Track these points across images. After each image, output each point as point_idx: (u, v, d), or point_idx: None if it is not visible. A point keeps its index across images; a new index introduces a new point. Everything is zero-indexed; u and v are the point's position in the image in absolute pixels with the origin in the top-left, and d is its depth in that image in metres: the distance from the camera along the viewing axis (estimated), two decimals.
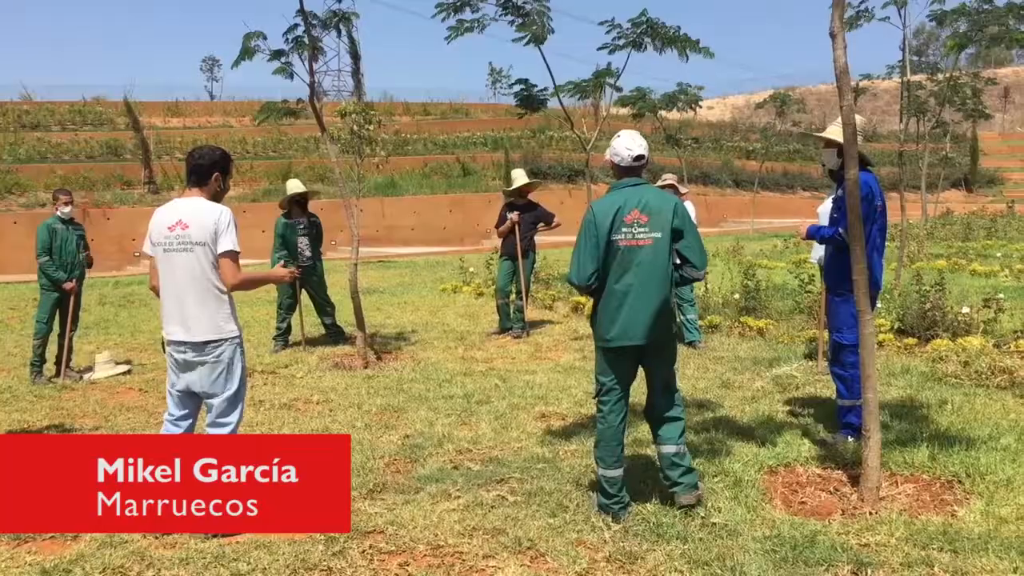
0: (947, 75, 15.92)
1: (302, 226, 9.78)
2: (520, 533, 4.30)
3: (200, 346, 4.53)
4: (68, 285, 8.41)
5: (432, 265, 20.52)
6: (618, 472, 4.48)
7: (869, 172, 5.51)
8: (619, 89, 15.64)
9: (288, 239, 9.67)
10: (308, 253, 9.81)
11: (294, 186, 10.00)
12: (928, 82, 17.45)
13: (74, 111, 33.06)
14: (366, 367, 8.49)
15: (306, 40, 8.34)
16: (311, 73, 8.41)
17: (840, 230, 5.39)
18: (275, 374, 8.39)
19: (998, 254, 16.98)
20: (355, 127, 8.93)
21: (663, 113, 20.53)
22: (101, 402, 7.46)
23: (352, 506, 4.75)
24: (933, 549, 3.96)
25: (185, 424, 4.74)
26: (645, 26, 12.94)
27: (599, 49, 13.47)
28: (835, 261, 5.61)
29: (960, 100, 18.15)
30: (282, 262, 9.46)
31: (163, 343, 4.69)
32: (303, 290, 9.87)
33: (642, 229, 4.39)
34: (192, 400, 4.72)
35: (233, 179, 4.76)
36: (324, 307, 10.02)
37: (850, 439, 5.48)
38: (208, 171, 4.62)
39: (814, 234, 5.74)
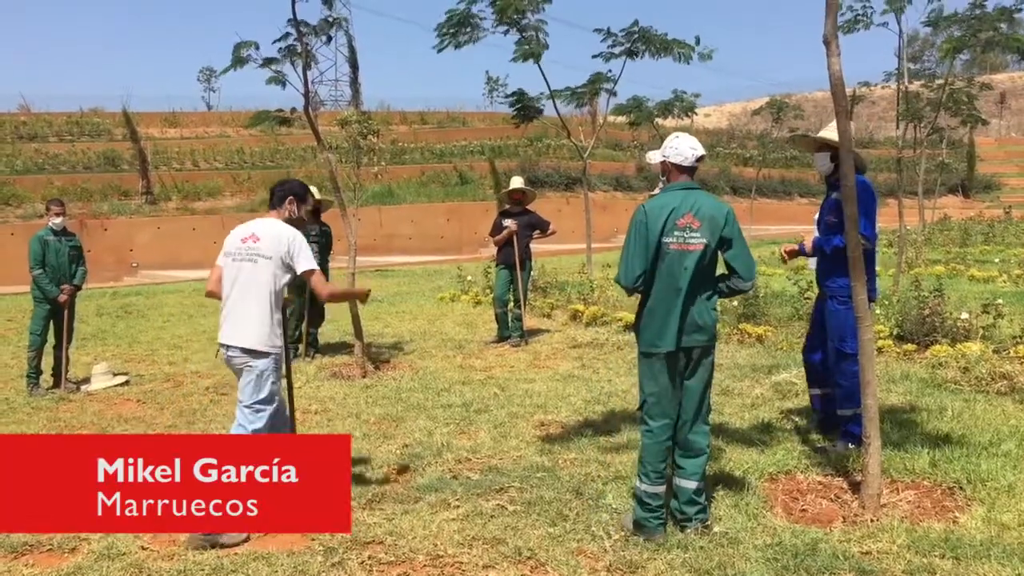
0: (943, 81, 15.94)
1: (313, 233, 9.73)
2: (520, 543, 4.28)
3: (244, 352, 4.72)
4: (62, 298, 8.38)
5: (430, 274, 20.51)
6: (661, 488, 4.35)
7: (863, 177, 5.50)
8: (615, 94, 15.68)
9: None
10: (317, 261, 9.76)
11: (312, 191, 9.97)
12: (924, 88, 17.47)
13: (71, 122, 33.05)
14: (364, 376, 8.46)
15: (298, 48, 8.34)
16: (305, 82, 8.40)
17: (862, 236, 5.28)
18: None
19: (996, 259, 17.01)
20: (356, 137, 8.92)
21: (659, 121, 20.53)
22: (99, 413, 7.44)
23: (351, 516, 4.75)
24: (935, 556, 3.94)
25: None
26: (638, 35, 13.02)
27: (594, 57, 13.54)
28: (836, 266, 5.52)
29: (956, 106, 18.17)
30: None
31: (216, 351, 4.95)
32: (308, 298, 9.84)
33: (694, 234, 4.28)
34: None
35: (308, 206, 5.20)
36: (316, 318, 9.97)
37: (850, 446, 5.46)
38: (282, 197, 5.03)
39: (823, 245, 5.64)
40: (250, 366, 4.71)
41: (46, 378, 8.52)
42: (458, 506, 4.83)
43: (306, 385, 8.26)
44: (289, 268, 4.82)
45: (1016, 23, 12.73)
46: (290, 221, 4.99)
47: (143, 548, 4.41)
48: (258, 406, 4.72)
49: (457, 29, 11.37)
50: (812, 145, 5.95)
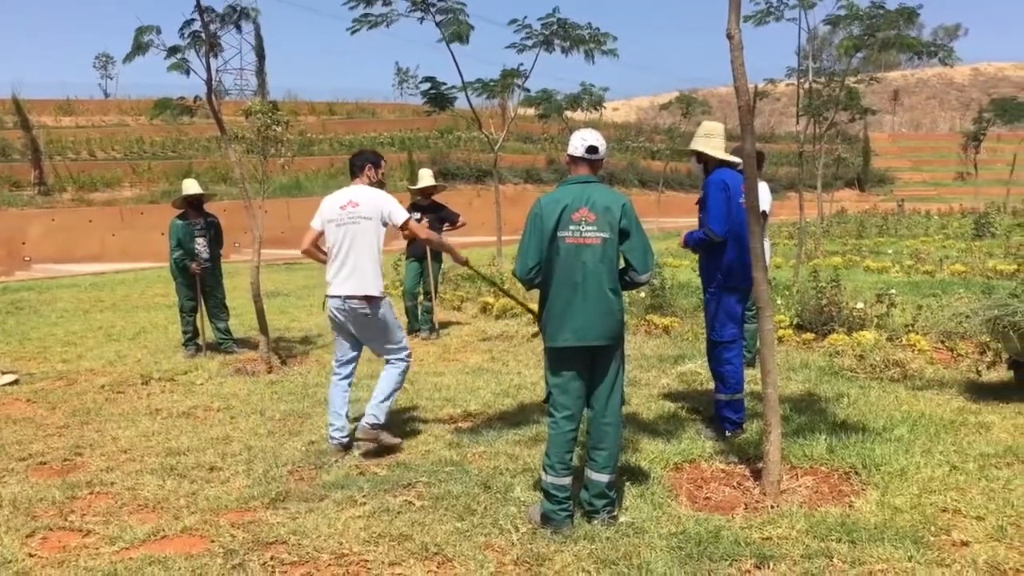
0: (841, 79, 16.49)
1: (199, 227, 9.45)
2: (427, 539, 4.23)
3: (365, 300, 5.59)
4: None
5: None
6: (567, 480, 4.34)
7: (732, 172, 5.74)
8: (527, 90, 15.66)
9: (184, 241, 9.32)
10: (206, 255, 9.48)
11: (189, 186, 9.62)
12: (822, 86, 18.05)
13: None
14: (270, 372, 8.27)
15: (203, 36, 8.08)
16: (208, 70, 8.15)
17: (705, 230, 5.66)
18: (173, 381, 8.10)
19: (889, 251, 17.65)
20: (261, 128, 8.67)
21: (569, 114, 20.68)
22: None
23: (253, 516, 4.64)
24: (832, 540, 4.05)
25: (350, 367, 5.89)
26: (556, 26, 12.94)
27: (507, 48, 13.43)
28: (703, 259, 5.87)
29: (851, 102, 18.84)
30: (191, 262, 9.22)
31: (324, 303, 5.82)
32: (202, 292, 9.54)
33: (589, 228, 4.28)
34: (357, 343, 5.84)
35: (382, 170, 6.05)
36: (219, 312, 9.67)
37: (728, 433, 5.67)
38: (360, 165, 5.90)
39: (689, 240, 5.91)
40: (372, 312, 5.61)
41: None
42: (364, 503, 4.75)
43: (208, 382, 8.03)
44: (385, 223, 5.70)
45: (915, 22, 13.18)
46: (372, 184, 5.86)
47: (31, 555, 4.21)
48: (396, 338, 5.78)
49: (368, 2, 11.15)
50: (689, 155, 6.21)
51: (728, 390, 5.70)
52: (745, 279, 5.68)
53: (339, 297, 5.62)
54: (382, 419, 5.68)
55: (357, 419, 5.86)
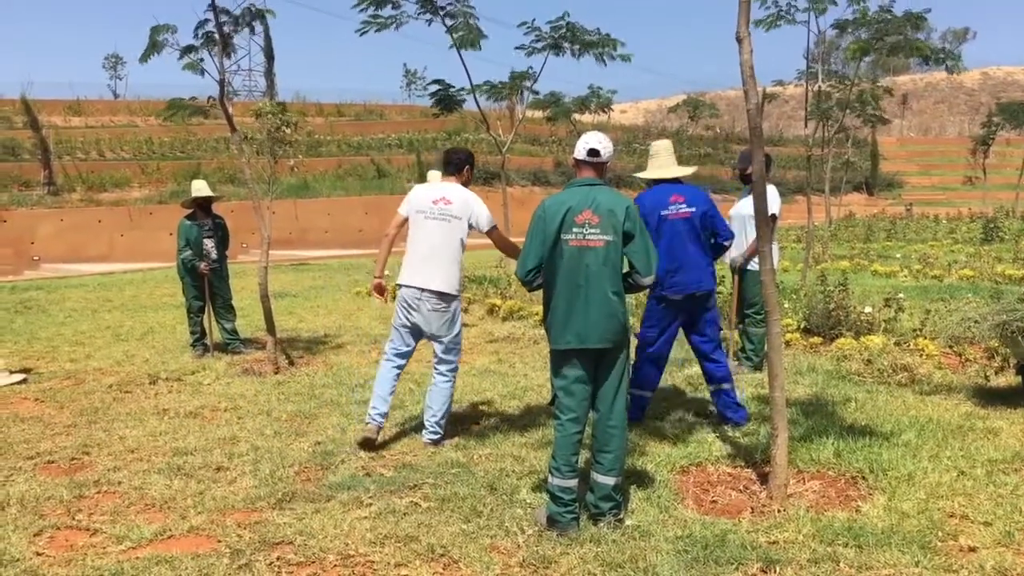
0: (850, 82, 16.45)
1: (207, 228, 9.48)
2: (433, 540, 4.23)
3: (438, 296, 5.68)
4: None
5: (346, 268, 20.24)
6: (573, 482, 4.35)
7: (659, 187, 5.96)
8: (536, 92, 15.65)
9: (193, 241, 9.35)
10: (214, 255, 9.51)
11: (199, 188, 9.66)
12: (832, 89, 17.99)
13: None
14: (277, 373, 8.28)
15: (217, 36, 8.11)
16: (221, 71, 8.17)
17: None
18: (181, 381, 8.12)
19: (898, 255, 17.60)
20: (271, 128, 8.69)
21: (576, 116, 20.68)
22: None
23: (260, 516, 4.65)
24: (839, 545, 4.04)
25: (405, 359, 6.00)
26: (564, 30, 12.92)
27: (517, 49, 13.42)
28: None
29: (862, 107, 18.76)
30: (200, 262, 9.25)
31: (394, 288, 6.06)
32: (208, 293, 9.56)
33: (593, 230, 4.30)
34: (416, 336, 5.89)
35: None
36: (225, 313, 9.68)
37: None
38: (461, 164, 5.90)
39: None
40: (444, 308, 5.72)
41: None
42: (371, 504, 4.75)
43: (216, 382, 8.04)
44: (471, 225, 5.76)
45: (923, 28, 13.13)
46: (466, 183, 5.91)
47: (38, 554, 4.23)
48: (456, 339, 5.87)
49: (377, 5, 11.19)
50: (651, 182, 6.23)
51: (633, 386, 5.83)
52: (673, 289, 5.82)
53: (416, 288, 5.69)
54: (442, 432, 5.88)
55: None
